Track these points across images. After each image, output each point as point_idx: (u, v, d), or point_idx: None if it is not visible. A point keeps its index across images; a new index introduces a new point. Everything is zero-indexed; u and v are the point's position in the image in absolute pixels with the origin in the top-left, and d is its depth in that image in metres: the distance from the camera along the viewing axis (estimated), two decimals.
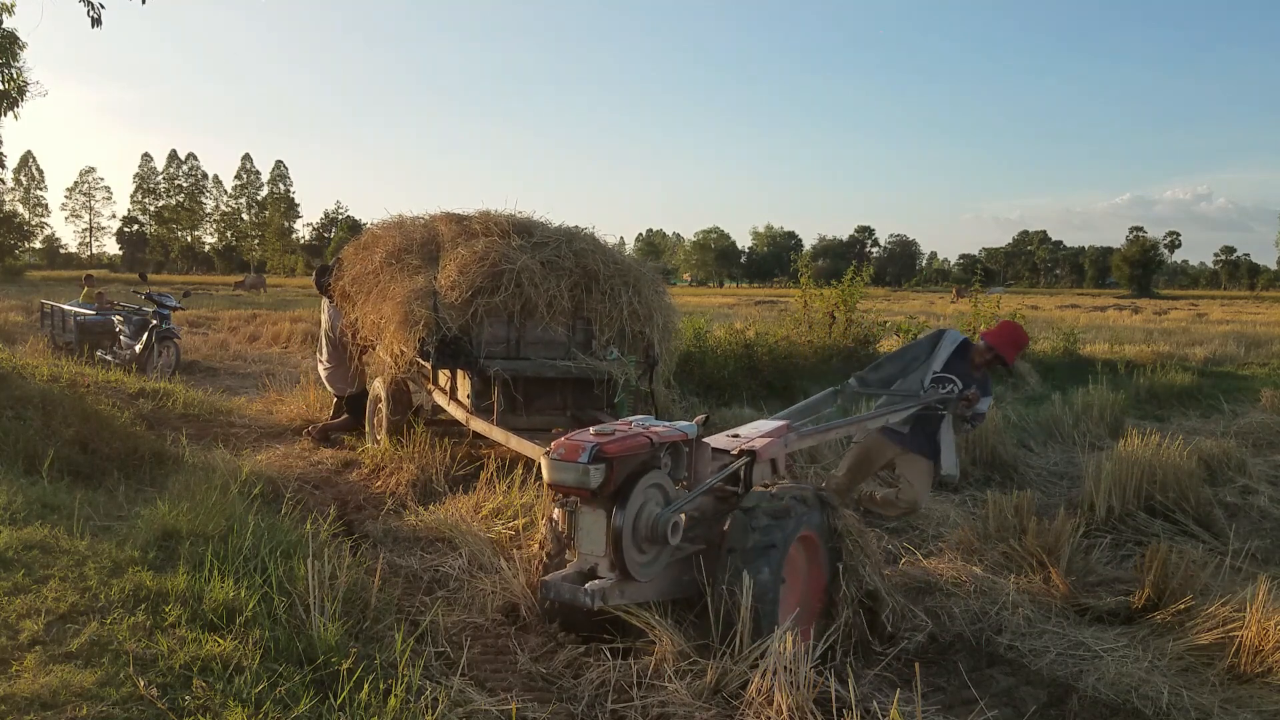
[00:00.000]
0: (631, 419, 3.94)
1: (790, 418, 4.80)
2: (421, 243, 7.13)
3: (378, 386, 7.32)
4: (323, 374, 8.13)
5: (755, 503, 3.69)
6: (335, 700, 2.85)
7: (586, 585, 3.48)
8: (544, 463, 3.57)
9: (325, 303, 7.98)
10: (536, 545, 4.08)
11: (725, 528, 3.71)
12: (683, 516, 3.66)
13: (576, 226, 7.39)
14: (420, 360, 6.51)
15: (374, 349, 7.30)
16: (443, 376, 6.99)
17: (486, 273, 6.45)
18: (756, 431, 4.32)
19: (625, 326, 6.93)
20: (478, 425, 6.38)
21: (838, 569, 3.86)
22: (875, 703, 3.23)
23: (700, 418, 4.09)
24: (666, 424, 3.87)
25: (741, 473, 4.01)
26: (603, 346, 6.86)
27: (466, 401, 6.66)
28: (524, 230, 6.97)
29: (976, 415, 5.46)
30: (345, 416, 7.89)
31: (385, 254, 7.10)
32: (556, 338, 6.78)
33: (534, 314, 6.58)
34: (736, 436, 4.27)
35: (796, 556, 3.80)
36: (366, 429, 7.62)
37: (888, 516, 5.60)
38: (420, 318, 6.33)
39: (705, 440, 4.08)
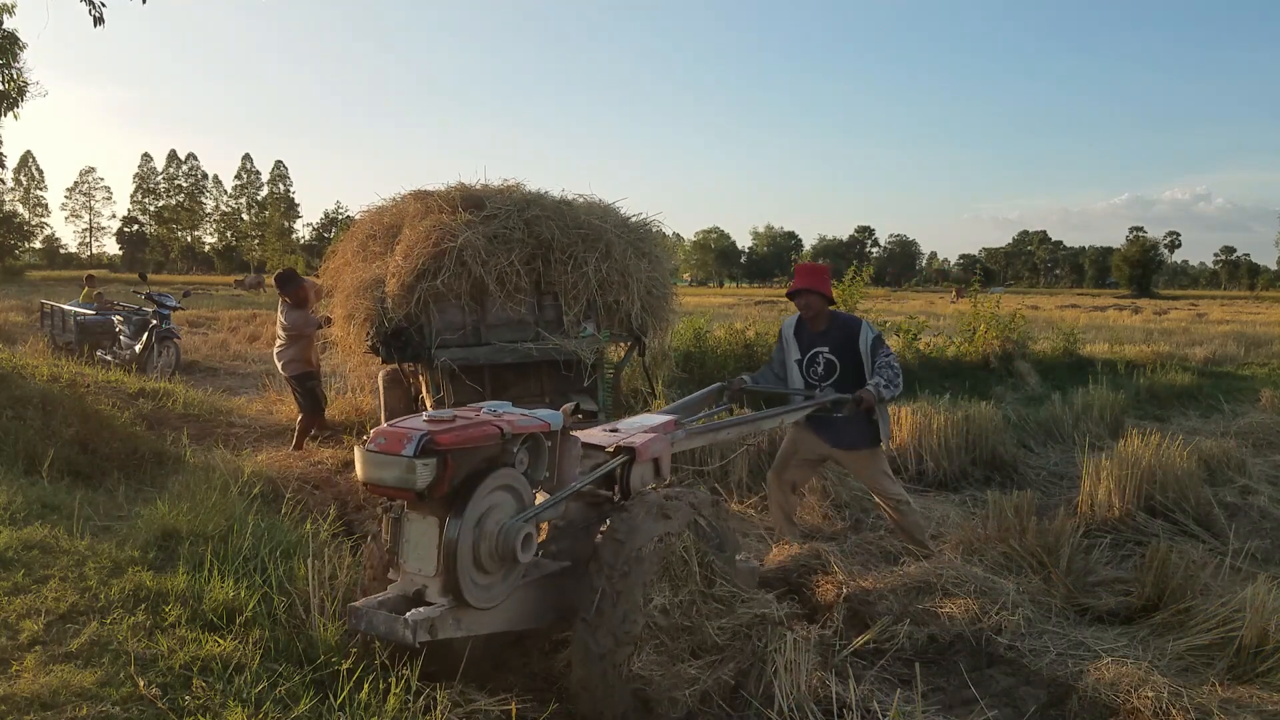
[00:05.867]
0: (482, 405, 3.22)
1: (676, 413, 4.35)
2: (387, 227, 6.77)
3: (379, 381, 7.21)
4: (274, 355, 7.92)
5: (631, 514, 3.13)
6: (335, 700, 2.85)
7: (408, 614, 2.76)
8: (358, 455, 2.84)
9: (281, 300, 7.89)
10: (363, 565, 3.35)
11: (596, 543, 3.16)
12: (538, 527, 3.06)
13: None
14: (372, 354, 6.21)
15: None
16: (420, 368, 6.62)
17: (429, 254, 5.92)
18: (639, 427, 3.79)
19: (595, 298, 6.23)
20: None
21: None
22: (875, 703, 3.24)
23: (568, 406, 3.52)
24: (523, 412, 3.16)
25: (619, 474, 3.46)
26: (575, 323, 6.24)
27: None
28: (475, 203, 6.35)
29: (888, 359, 4.87)
30: (302, 417, 7.53)
31: (357, 242, 6.87)
32: (520, 318, 6.17)
33: (487, 294, 6.05)
34: (615, 431, 3.73)
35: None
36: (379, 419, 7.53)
37: (914, 536, 5.10)
38: (361, 310, 6.01)
39: (575, 434, 3.45)
